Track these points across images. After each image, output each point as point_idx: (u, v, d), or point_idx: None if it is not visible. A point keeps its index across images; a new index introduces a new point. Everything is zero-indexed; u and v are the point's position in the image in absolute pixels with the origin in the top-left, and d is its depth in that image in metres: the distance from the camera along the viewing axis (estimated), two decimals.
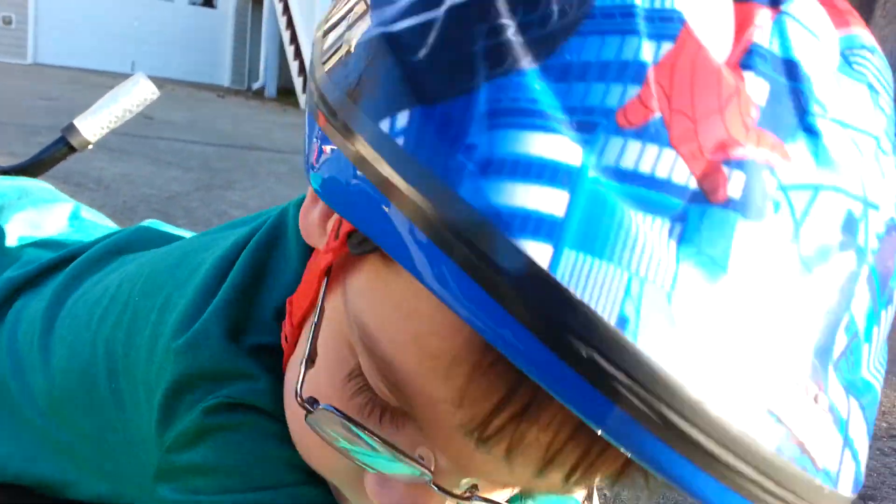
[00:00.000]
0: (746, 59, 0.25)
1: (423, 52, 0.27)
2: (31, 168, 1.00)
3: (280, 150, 3.49)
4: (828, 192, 0.24)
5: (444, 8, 0.27)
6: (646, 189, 0.23)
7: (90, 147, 1.08)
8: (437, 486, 0.34)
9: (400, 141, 0.25)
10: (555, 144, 0.23)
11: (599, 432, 0.23)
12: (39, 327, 0.52)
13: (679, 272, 0.23)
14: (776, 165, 0.24)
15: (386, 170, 0.26)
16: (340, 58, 0.30)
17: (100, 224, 0.79)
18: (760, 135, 0.24)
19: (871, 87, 0.27)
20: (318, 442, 0.35)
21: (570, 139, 0.24)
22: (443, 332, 0.30)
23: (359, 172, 0.27)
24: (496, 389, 0.30)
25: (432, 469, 0.34)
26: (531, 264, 0.22)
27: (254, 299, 0.43)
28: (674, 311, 0.22)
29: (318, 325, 0.34)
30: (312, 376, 0.35)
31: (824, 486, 0.24)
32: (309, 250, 0.43)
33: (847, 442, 0.25)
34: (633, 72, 0.24)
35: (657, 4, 0.25)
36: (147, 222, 0.66)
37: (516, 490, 0.39)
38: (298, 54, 8.26)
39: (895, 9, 2.02)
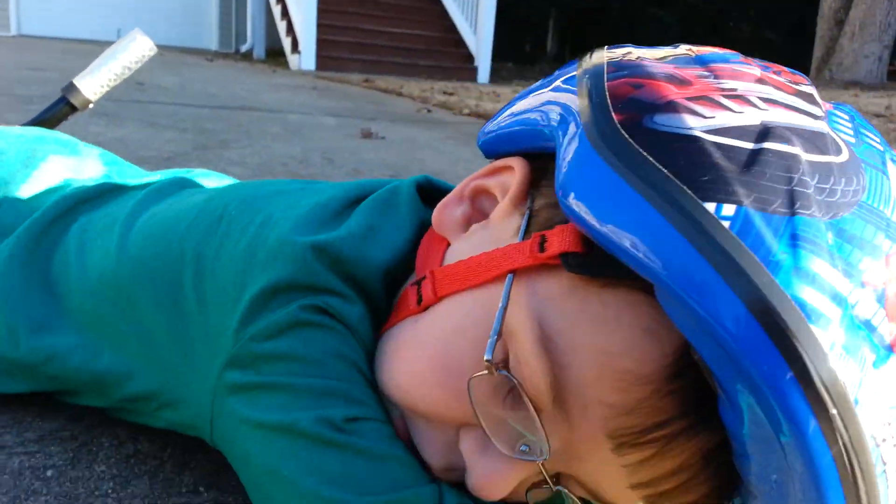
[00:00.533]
0: None
1: (746, 166, 0.36)
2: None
3: (272, 110, 3.49)
4: None
5: (761, 146, 0.37)
6: (867, 330, 0.34)
7: (91, 106, 1.10)
8: (542, 466, 0.41)
9: (726, 224, 0.34)
10: (835, 276, 0.34)
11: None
12: (119, 230, 0.59)
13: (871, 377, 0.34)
14: None
15: (711, 239, 0.34)
16: (640, 127, 0.38)
17: (133, 166, 0.86)
18: None
19: None
20: (441, 385, 0.42)
21: (841, 275, 0.34)
22: (640, 356, 0.38)
23: (678, 231, 0.34)
24: (666, 410, 0.38)
25: (550, 449, 0.40)
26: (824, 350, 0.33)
27: (366, 252, 0.48)
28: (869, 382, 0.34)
29: (504, 310, 0.41)
30: (469, 349, 0.42)
31: None
32: (421, 229, 0.51)
33: None
34: (879, 253, 0.35)
35: (894, 218, 0.37)
36: (197, 171, 0.77)
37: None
38: (286, 14, 8.15)
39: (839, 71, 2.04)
